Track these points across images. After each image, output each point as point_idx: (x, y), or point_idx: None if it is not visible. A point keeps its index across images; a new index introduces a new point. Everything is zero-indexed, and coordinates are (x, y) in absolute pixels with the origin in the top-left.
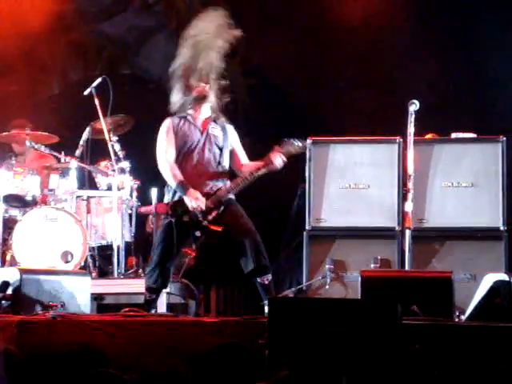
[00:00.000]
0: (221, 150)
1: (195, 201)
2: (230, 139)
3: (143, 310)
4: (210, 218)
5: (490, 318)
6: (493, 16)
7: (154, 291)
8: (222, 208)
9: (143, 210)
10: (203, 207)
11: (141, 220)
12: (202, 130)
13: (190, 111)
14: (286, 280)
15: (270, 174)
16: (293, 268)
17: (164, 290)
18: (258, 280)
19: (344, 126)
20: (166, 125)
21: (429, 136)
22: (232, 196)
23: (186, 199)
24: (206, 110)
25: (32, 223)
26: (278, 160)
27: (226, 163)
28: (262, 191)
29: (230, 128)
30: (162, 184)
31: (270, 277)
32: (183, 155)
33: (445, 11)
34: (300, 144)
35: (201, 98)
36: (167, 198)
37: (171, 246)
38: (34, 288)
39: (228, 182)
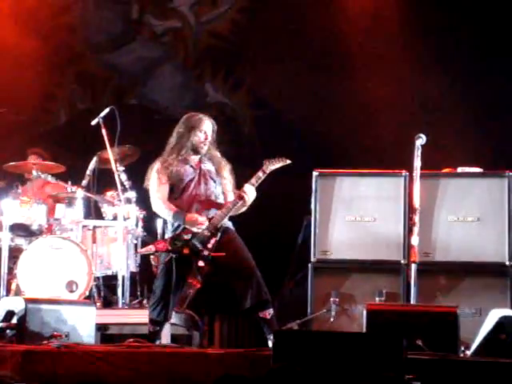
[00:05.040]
0: (215, 182)
1: (195, 222)
2: (222, 172)
3: (148, 340)
4: (210, 246)
5: (495, 354)
6: None
7: (157, 324)
8: (219, 234)
9: (143, 250)
10: (206, 223)
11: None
12: (195, 167)
13: (183, 152)
14: (291, 312)
15: (277, 206)
16: (297, 300)
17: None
18: (260, 315)
19: (350, 159)
20: (155, 167)
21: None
22: (230, 226)
23: (187, 225)
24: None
25: (37, 252)
26: (246, 197)
27: (220, 194)
28: (267, 222)
29: (223, 161)
30: None
31: (271, 311)
32: (179, 192)
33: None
34: (279, 158)
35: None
36: (167, 234)
37: (173, 280)
38: (39, 318)
39: (219, 211)
